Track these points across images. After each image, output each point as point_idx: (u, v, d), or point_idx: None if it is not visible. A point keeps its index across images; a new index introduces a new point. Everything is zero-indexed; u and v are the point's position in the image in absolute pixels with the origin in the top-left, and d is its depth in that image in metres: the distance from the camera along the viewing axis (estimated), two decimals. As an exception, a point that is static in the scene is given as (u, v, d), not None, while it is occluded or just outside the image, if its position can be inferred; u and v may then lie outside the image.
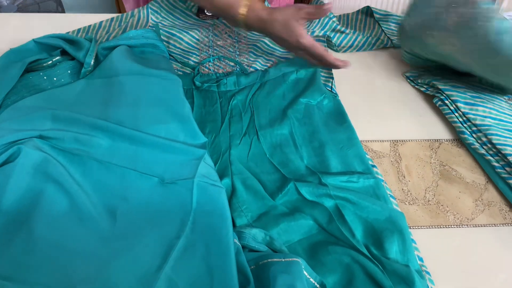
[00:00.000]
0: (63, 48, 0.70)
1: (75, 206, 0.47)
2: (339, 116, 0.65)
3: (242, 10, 0.66)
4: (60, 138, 0.53)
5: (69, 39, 0.71)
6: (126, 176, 0.51)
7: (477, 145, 0.62)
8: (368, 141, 0.65)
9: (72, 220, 0.46)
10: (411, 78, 0.74)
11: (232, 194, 0.55)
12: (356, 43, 0.80)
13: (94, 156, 0.52)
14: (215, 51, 0.75)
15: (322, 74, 0.73)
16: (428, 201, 0.58)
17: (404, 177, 0.61)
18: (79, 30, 0.80)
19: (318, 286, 0.48)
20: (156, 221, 0.48)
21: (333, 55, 0.65)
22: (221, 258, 0.45)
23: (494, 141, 0.60)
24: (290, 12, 0.64)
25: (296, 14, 0.63)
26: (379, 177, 0.58)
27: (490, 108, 0.63)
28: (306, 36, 0.64)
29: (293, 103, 0.66)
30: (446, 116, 0.67)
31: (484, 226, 0.56)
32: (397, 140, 0.65)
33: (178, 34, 0.76)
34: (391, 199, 0.56)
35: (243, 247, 0.50)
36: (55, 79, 0.68)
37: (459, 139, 0.65)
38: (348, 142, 0.61)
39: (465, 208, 0.58)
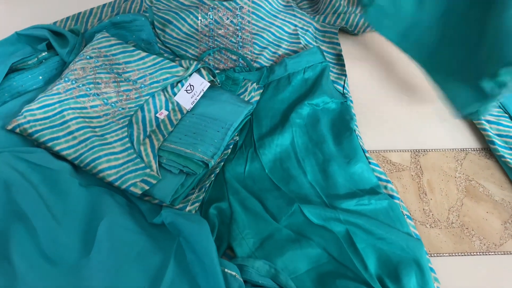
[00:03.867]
0: (49, 39, 0.63)
1: (45, 238, 0.43)
2: (344, 124, 0.57)
3: None
4: None
5: (55, 31, 0.64)
6: (104, 198, 0.47)
7: (508, 159, 0.55)
8: (386, 151, 0.58)
9: (43, 254, 0.43)
10: None
11: (231, 219, 0.50)
12: None
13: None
14: (215, 42, 0.67)
15: (333, 71, 0.65)
16: (452, 223, 0.53)
17: (425, 194, 0.55)
18: (67, 18, 0.72)
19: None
20: (138, 252, 0.44)
21: None
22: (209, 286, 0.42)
23: None
24: None
25: None
26: (394, 194, 0.52)
27: None
28: None
29: (297, 106, 0.58)
30: (475, 122, 0.59)
31: (514, 253, 0.51)
32: (419, 150, 0.58)
33: (174, 22, 0.68)
34: (408, 220, 0.51)
35: (246, 281, 0.46)
36: (40, 77, 0.62)
37: (488, 149, 0.58)
38: (354, 155, 0.54)
39: (493, 232, 0.52)
